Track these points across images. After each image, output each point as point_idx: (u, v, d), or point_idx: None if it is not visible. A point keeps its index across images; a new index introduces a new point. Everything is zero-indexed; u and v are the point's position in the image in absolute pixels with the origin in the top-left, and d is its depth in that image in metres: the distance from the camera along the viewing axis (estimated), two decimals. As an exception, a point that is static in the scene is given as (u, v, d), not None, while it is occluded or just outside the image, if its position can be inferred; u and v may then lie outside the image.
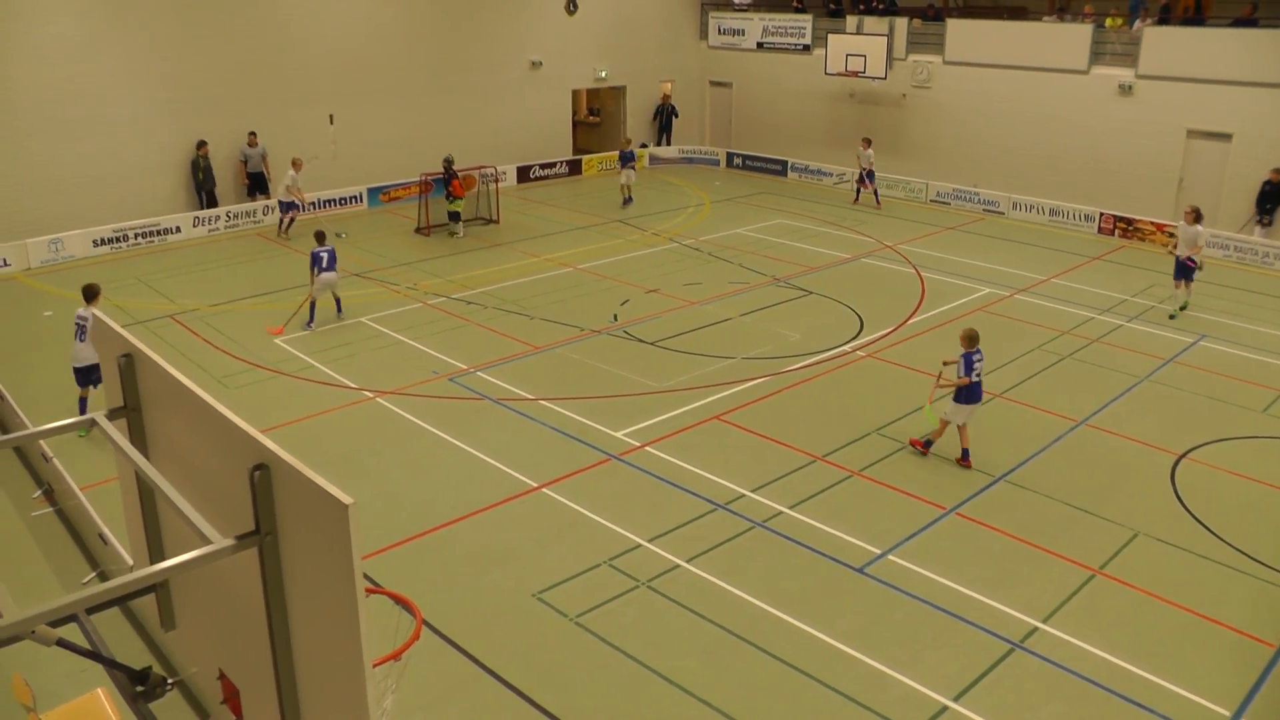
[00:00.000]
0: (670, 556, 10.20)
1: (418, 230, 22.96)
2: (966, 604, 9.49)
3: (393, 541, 10.43)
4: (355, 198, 25.02)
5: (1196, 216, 17.22)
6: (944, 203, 26.36)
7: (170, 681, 3.97)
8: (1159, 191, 23.25)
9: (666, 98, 32.17)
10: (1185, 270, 17.34)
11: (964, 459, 12.12)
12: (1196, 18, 24.05)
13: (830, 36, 28.21)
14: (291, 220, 21.96)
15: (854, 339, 16.38)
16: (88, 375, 12.31)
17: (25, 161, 20.18)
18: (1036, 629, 9.14)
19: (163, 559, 3.96)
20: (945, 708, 8.13)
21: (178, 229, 21.96)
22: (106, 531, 9.51)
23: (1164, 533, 10.79)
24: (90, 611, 3.93)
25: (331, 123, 24.55)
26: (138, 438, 4.05)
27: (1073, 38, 24.41)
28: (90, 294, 12.18)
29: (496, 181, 24.18)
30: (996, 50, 25.62)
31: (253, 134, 23.02)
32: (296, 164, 21.41)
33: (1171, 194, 23.11)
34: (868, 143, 25.83)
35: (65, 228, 20.46)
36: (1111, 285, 19.53)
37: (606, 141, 32.20)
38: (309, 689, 3.22)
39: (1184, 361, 15.62)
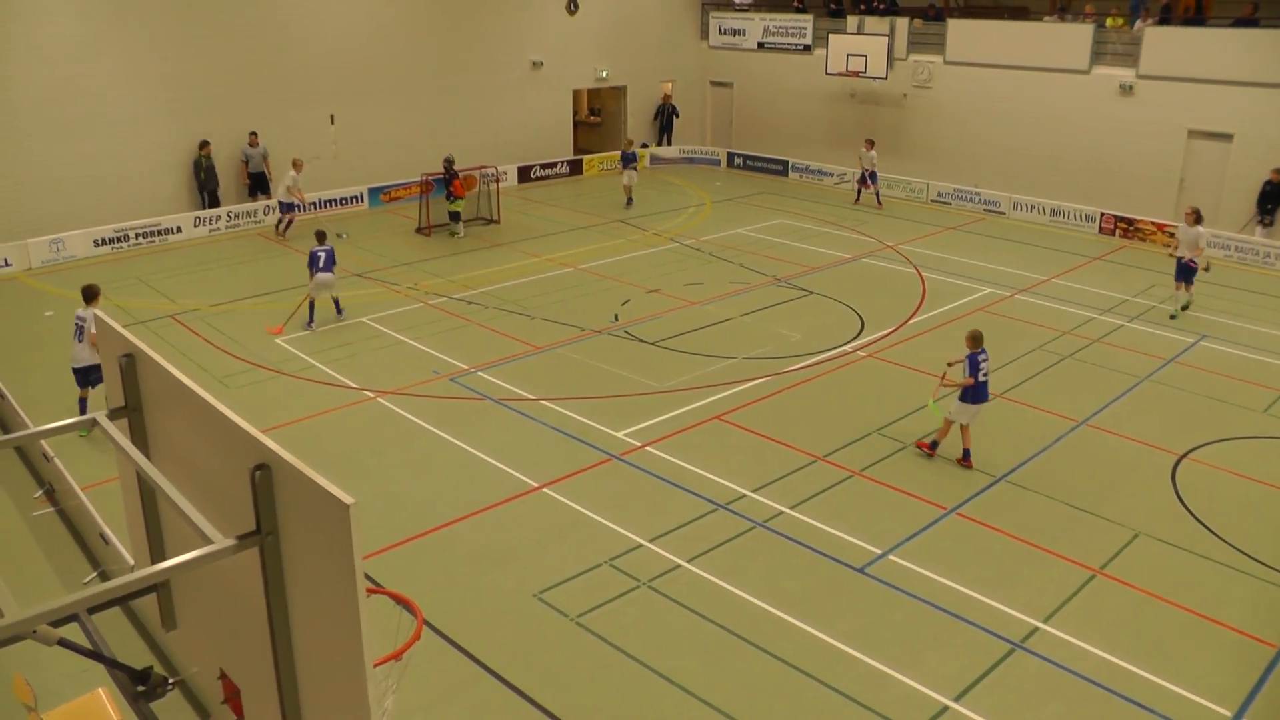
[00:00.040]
0: (671, 556, 10.20)
1: (418, 230, 22.97)
2: (967, 604, 9.49)
3: (393, 541, 10.43)
4: (356, 198, 25.03)
5: (1197, 218, 17.22)
6: (945, 203, 26.36)
7: (171, 681, 3.97)
8: (1160, 192, 23.24)
9: (667, 98, 32.17)
10: (1185, 271, 17.33)
11: (965, 459, 12.12)
12: (1197, 18, 24.05)
13: (831, 36, 28.22)
14: (290, 221, 21.95)
15: (855, 339, 16.38)
16: (86, 376, 12.31)
17: (26, 161, 20.19)
18: (1037, 629, 9.14)
19: (164, 559, 3.96)
20: (946, 708, 8.13)
21: (178, 229, 21.96)
22: (107, 531, 9.52)
23: (1165, 533, 10.79)
24: (91, 611, 3.93)
25: (332, 123, 24.56)
26: (139, 437, 4.05)
27: (1074, 38, 24.41)
28: (89, 295, 12.17)
29: (497, 181, 24.18)
30: (997, 50, 25.61)
31: (254, 134, 23.02)
32: (297, 165, 21.42)
33: (1172, 194, 23.11)
34: (871, 144, 25.83)
35: (66, 228, 20.47)
36: (1112, 285, 19.52)
37: (607, 141, 32.21)
38: (310, 689, 3.23)
39: (1185, 362, 15.62)
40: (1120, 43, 23.81)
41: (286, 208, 21.76)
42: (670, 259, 20.94)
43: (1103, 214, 23.62)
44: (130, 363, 3.97)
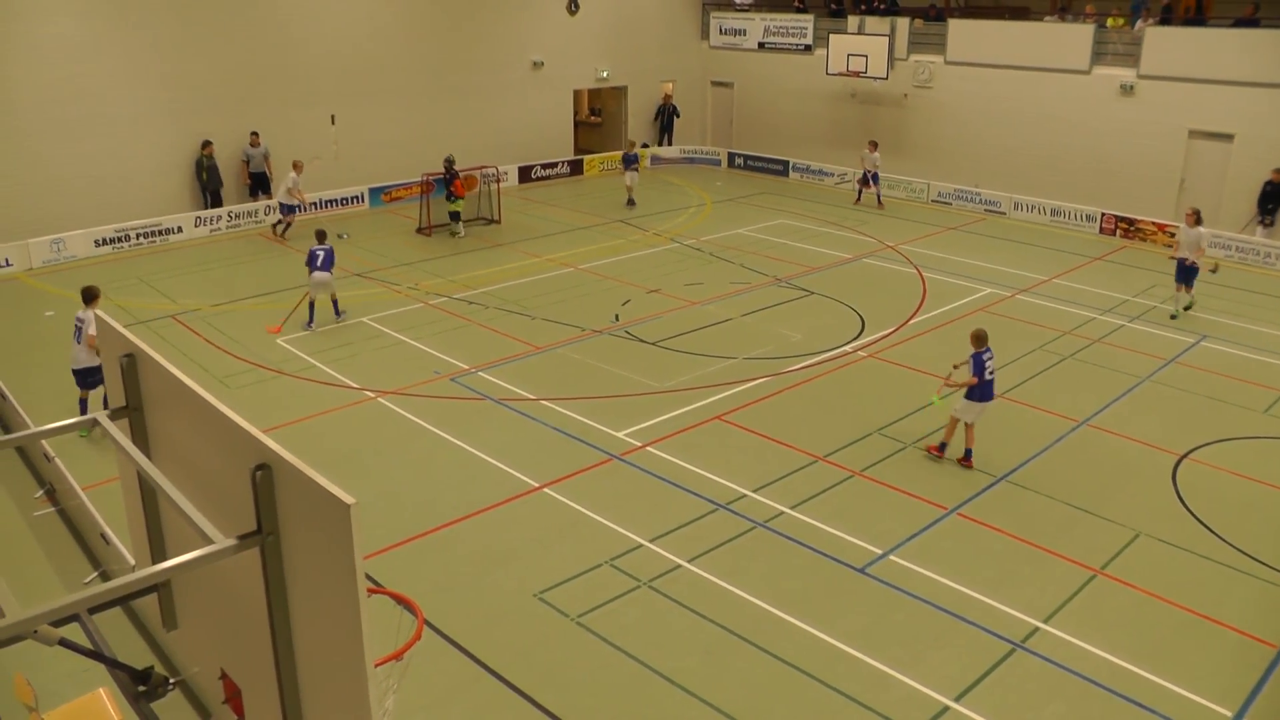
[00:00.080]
0: (672, 556, 10.20)
1: (419, 230, 22.97)
2: (968, 604, 9.49)
3: (394, 541, 10.43)
4: (357, 198, 25.03)
5: (1197, 219, 17.21)
6: (945, 203, 26.36)
7: (172, 681, 3.97)
8: (1160, 192, 23.24)
9: (668, 98, 32.17)
10: (1186, 272, 17.31)
11: (966, 459, 12.12)
12: (1198, 18, 24.05)
13: (832, 36, 28.21)
14: (290, 223, 21.93)
15: (855, 339, 16.38)
16: (84, 378, 12.24)
17: (26, 161, 20.20)
18: (1038, 629, 9.14)
19: (164, 559, 3.96)
20: (946, 708, 8.13)
21: (179, 229, 21.97)
22: (108, 531, 9.52)
23: (1165, 533, 10.79)
24: (92, 611, 3.94)
25: (333, 123, 24.56)
26: (140, 438, 4.05)
27: (1074, 38, 24.40)
28: (89, 296, 12.10)
29: (498, 181, 24.19)
30: (998, 50, 25.61)
31: (255, 134, 23.03)
32: (298, 166, 21.40)
33: (1173, 194, 23.10)
34: (874, 145, 25.83)
35: (67, 228, 20.48)
36: (1113, 285, 19.52)
37: (608, 141, 32.21)
38: (311, 689, 3.23)
39: (1185, 362, 15.62)
40: (1121, 43, 23.81)
41: (287, 209, 21.75)
42: (671, 259, 20.94)
43: (1103, 214, 23.62)
44: (131, 363, 3.97)
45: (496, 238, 22.75)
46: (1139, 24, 23.63)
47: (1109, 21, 24.33)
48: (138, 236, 21.38)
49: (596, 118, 33.49)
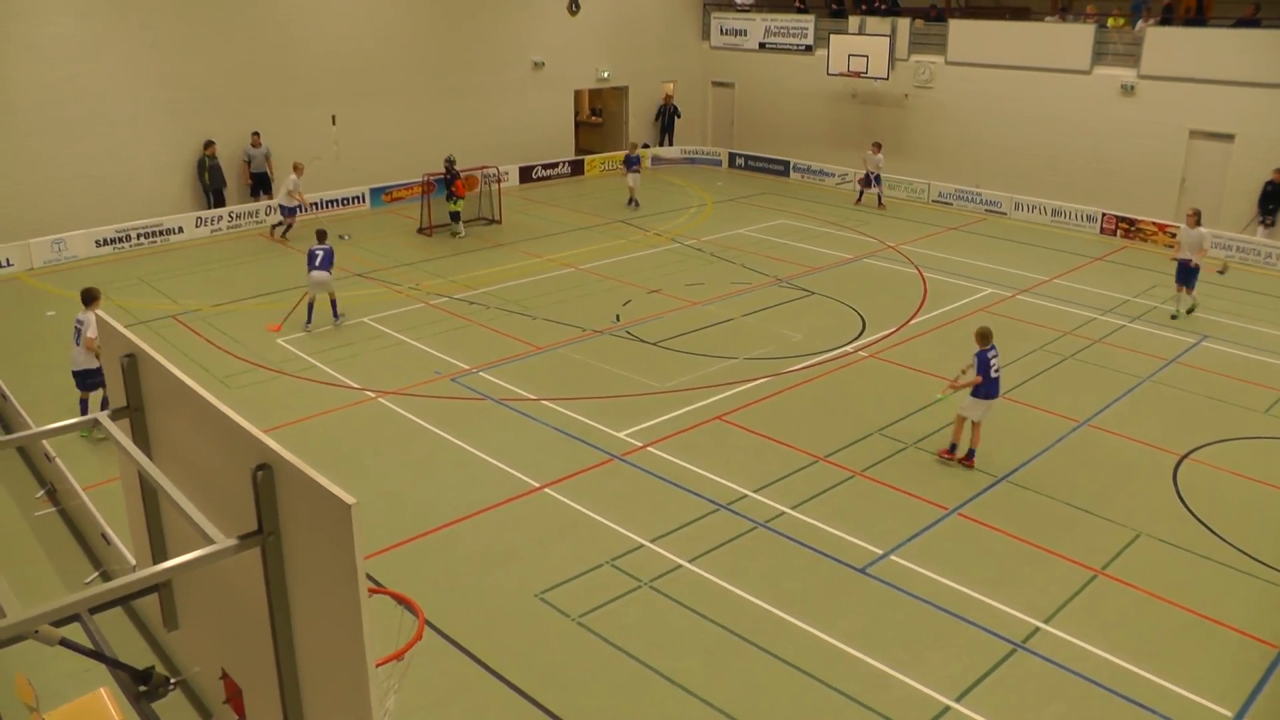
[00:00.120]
0: (672, 557, 10.20)
1: (420, 230, 22.98)
2: (968, 604, 9.49)
3: (395, 541, 10.43)
4: (358, 198, 25.04)
5: (1198, 219, 17.18)
6: (946, 203, 26.36)
7: (173, 681, 3.97)
8: (1161, 192, 23.23)
9: (669, 98, 32.17)
10: (1186, 273, 17.28)
11: (968, 458, 12.10)
12: (1199, 18, 24.04)
13: (832, 37, 28.21)
14: (290, 225, 21.91)
15: (856, 339, 16.38)
16: (83, 379, 12.18)
17: (27, 162, 20.21)
18: (1038, 629, 9.14)
19: (165, 559, 3.96)
20: (947, 708, 8.13)
21: (180, 229, 21.98)
22: (109, 531, 9.52)
23: (1166, 533, 10.78)
24: (93, 611, 3.94)
25: (334, 123, 24.57)
26: (141, 438, 4.06)
27: (1075, 38, 24.40)
28: (88, 298, 11.99)
29: (499, 182, 24.19)
30: (999, 50, 25.60)
31: (256, 134, 23.04)
32: (298, 168, 21.39)
33: (1174, 194, 23.10)
34: (878, 147, 25.82)
35: (68, 228, 20.49)
36: (1113, 286, 19.52)
37: (609, 142, 32.22)
38: (312, 689, 3.23)
39: (1186, 362, 15.61)
40: (1121, 43, 23.80)
41: (287, 211, 21.74)
42: (671, 259, 20.95)
43: (1104, 214, 23.61)
44: (132, 363, 3.97)
45: (497, 238, 22.76)
46: (1140, 24, 23.63)
47: (1109, 22, 24.32)
48: (138, 237, 21.39)
49: (597, 118, 33.50)
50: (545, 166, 29.06)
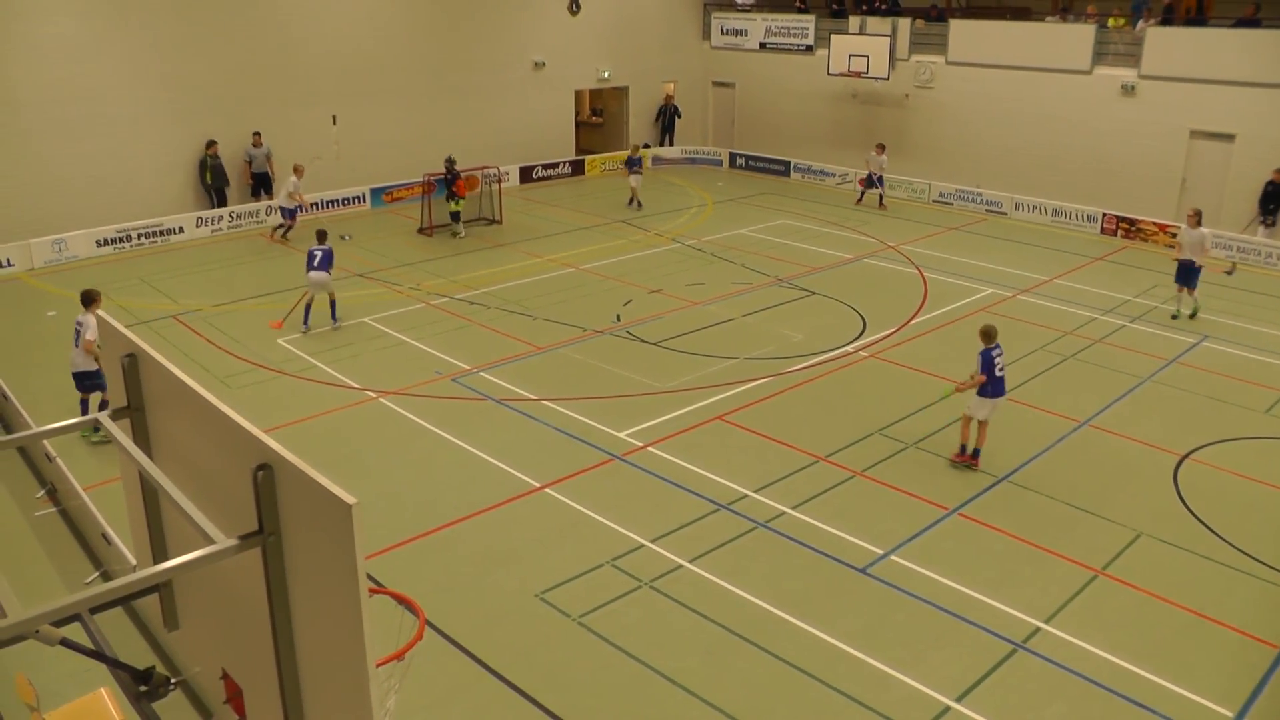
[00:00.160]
0: (673, 557, 10.20)
1: (420, 230, 22.98)
2: (969, 604, 9.49)
3: (395, 541, 10.43)
4: (358, 198, 25.04)
5: (1199, 220, 17.16)
6: (947, 203, 26.35)
7: (173, 681, 3.98)
8: (1162, 192, 23.23)
9: (669, 98, 32.17)
10: (1186, 273, 17.24)
11: (974, 458, 12.07)
12: (1199, 18, 24.03)
13: (833, 37, 28.20)
14: (290, 227, 21.88)
15: (857, 339, 16.38)
16: (81, 381, 12.11)
17: (28, 162, 20.21)
18: (1039, 629, 9.13)
19: (166, 559, 3.97)
20: (948, 708, 8.12)
21: (180, 229, 21.98)
22: (110, 531, 9.53)
23: (1167, 533, 10.78)
24: (94, 611, 3.94)
25: (334, 123, 24.57)
26: (141, 438, 4.06)
27: (1075, 38, 24.40)
28: (87, 299, 11.86)
29: (499, 182, 24.19)
30: (999, 51, 25.60)
31: (257, 134, 23.04)
32: (299, 170, 21.37)
33: (1174, 194, 23.09)
34: (881, 148, 25.81)
35: (68, 228, 20.49)
36: (1114, 286, 19.52)
37: (609, 142, 32.23)
38: (312, 689, 3.23)
39: (1186, 362, 15.61)
40: (1122, 43, 23.80)
41: (288, 213, 21.72)
42: (672, 259, 20.95)
43: (1104, 214, 23.61)
44: (133, 363, 3.97)
45: (498, 238, 22.76)
46: (1140, 24, 23.62)
47: (1110, 22, 24.31)
48: (139, 237, 21.40)
49: (598, 118, 33.50)
50: (546, 166, 29.06)
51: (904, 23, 27.38)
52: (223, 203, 22.83)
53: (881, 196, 25.98)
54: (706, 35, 32.41)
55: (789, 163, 29.91)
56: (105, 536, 9.59)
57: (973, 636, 9.05)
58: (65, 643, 3.40)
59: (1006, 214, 25.23)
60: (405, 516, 10.91)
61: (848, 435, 12.94)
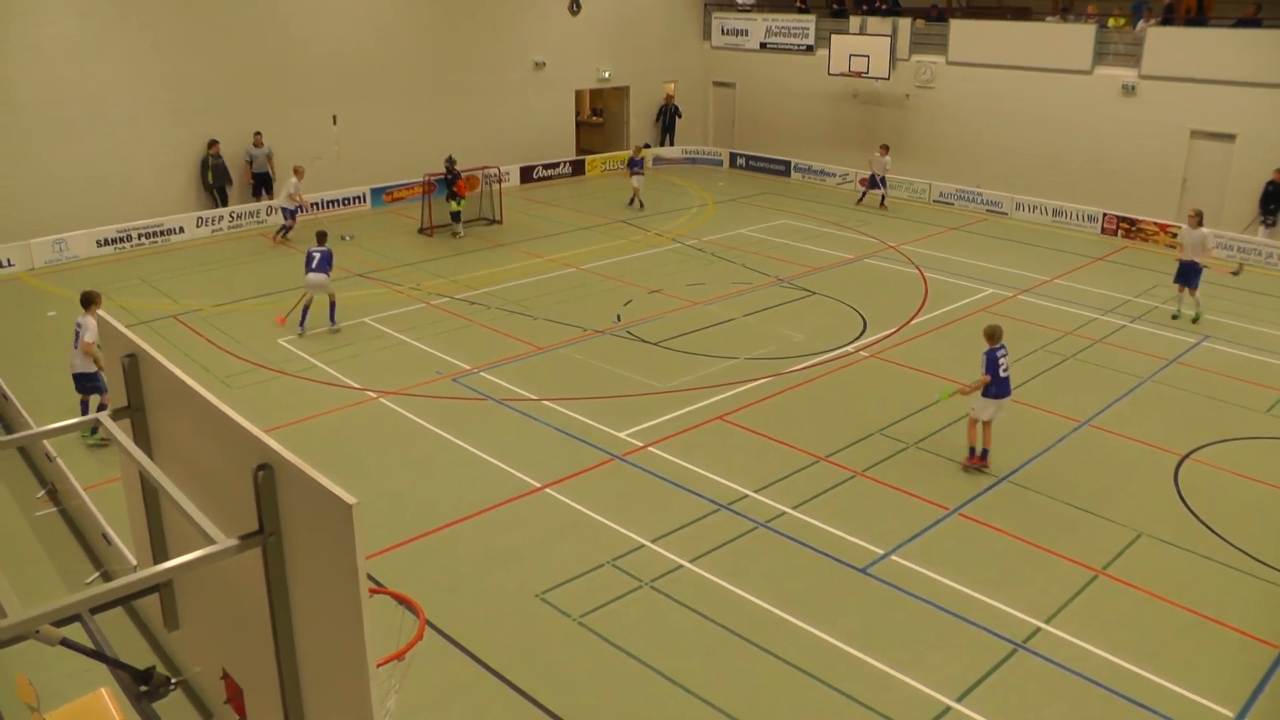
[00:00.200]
0: (673, 557, 10.20)
1: (421, 231, 22.98)
2: (969, 604, 9.48)
3: (396, 542, 10.43)
4: (358, 198, 25.05)
5: (1200, 220, 17.13)
6: (947, 203, 26.35)
7: (174, 681, 3.98)
8: (1162, 192, 23.22)
9: (670, 98, 32.17)
10: (1186, 273, 17.19)
11: (982, 458, 12.03)
12: (1199, 18, 24.03)
13: (833, 37, 28.20)
14: (289, 228, 21.87)
15: (857, 339, 16.38)
16: (80, 383, 12.07)
17: (28, 161, 20.21)
18: (1039, 629, 9.13)
19: (166, 559, 3.97)
20: (948, 708, 8.12)
21: (181, 229, 21.99)
22: (110, 531, 9.53)
23: (1167, 533, 10.78)
24: (94, 611, 3.94)
25: (335, 123, 24.57)
26: (142, 438, 4.06)
27: (1076, 38, 24.39)
28: (86, 301, 11.78)
29: (499, 182, 24.19)
30: (1000, 51, 25.60)
31: (258, 134, 23.05)
32: (299, 172, 21.37)
33: (1175, 194, 23.09)
34: (885, 149, 25.79)
35: (69, 228, 20.49)
36: (1114, 286, 19.51)
37: (610, 142, 32.23)
38: (313, 689, 3.23)
39: (1187, 362, 15.61)
40: (1122, 43, 23.79)
41: (288, 213, 21.71)
42: (672, 259, 20.95)
43: (1105, 214, 23.61)
44: (133, 363, 3.97)
45: (498, 238, 22.76)
46: (1140, 24, 23.61)
47: (1110, 22, 24.31)
48: (139, 237, 21.40)
49: (598, 118, 33.50)
50: (546, 166, 29.06)
51: (904, 23, 27.38)
52: (224, 202, 22.84)
53: (884, 197, 25.97)
54: (707, 35, 32.41)
55: (789, 163, 29.91)
56: (105, 536, 9.59)
57: (973, 636, 9.04)
58: (66, 643, 3.40)
59: (1007, 214, 25.22)
60: (405, 516, 10.91)
61: (848, 435, 12.94)
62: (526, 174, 28.49)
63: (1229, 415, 13.73)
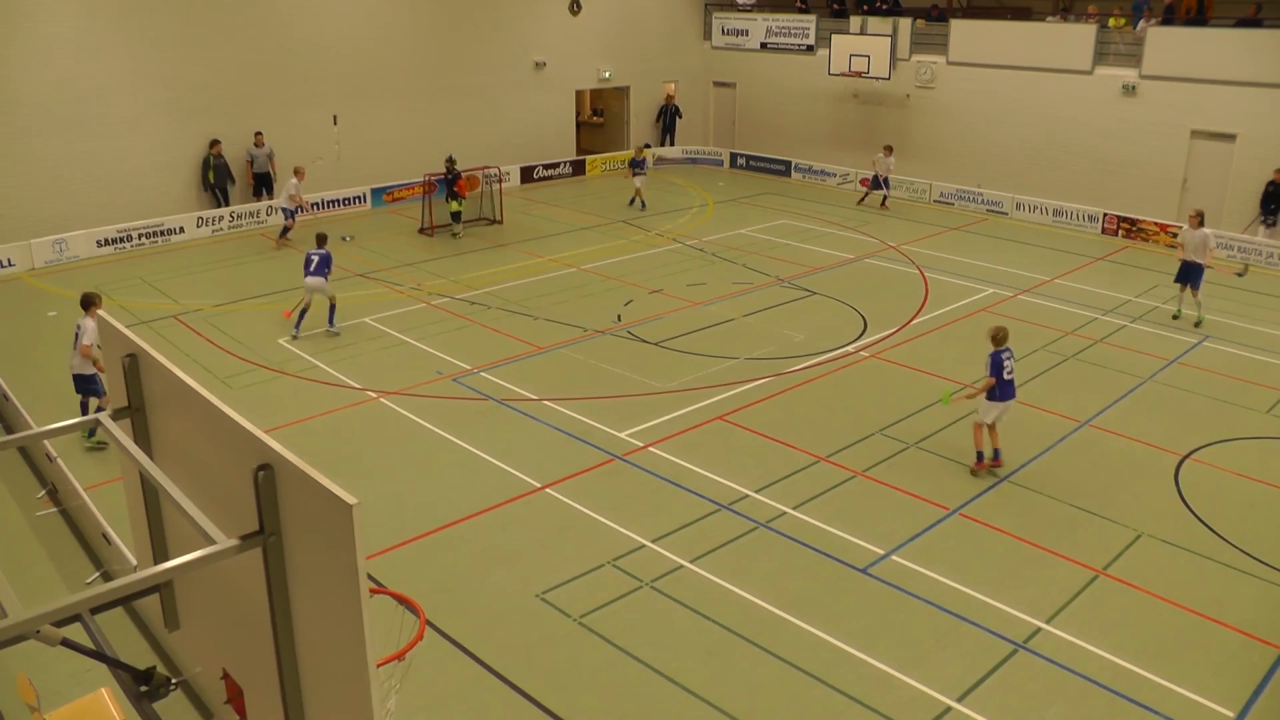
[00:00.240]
0: (674, 557, 10.20)
1: (421, 231, 22.98)
2: (970, 605, 9.48)
3: (396, 542, 10.43)
4: (359, 198, 25.05)
5: (1201, 220, 17.08)
6: (948, 203, 26.34)
7: (174, 682, 3.98)
8: (1163, 192, 23.22)
9: (670, 98, 32.17)
10: (1186, 273, 17.16)
11: (995, 459, 12.00)
12: (1200, 18, 24.02)
13: (834, 37, 28.19)
14: (288, 228, 21.85)
15: (858, 339, 16.37)
16: (78, 384, 12.03)
17: (29, 161, 20.22)
18: (1040, 629, 9.13)
19: (166, 559, 3.97)
20: (949, 708, 8.12)
21: (181, 229, 21.99)
22: (110, 531, 9.53)
23: (1168, 533, 10.77)
24: (94, 611, 3.94)
25: (335, 124, 24.58)
26: (142, 438, 4.06)
27: (1076, 38, 24.39)
28: (87, 303, 11.72)
29: (500, 182, 24.19)
30: (1000, 51, 25.59)
31: (259, 134, 23.05)
32: (299, 173, 21.35)
33: (1175, 194, 23.09)
34: (889, 150, 25.79)
35: (69, 228, 20.50)
36: (1115, 286, 19.51)
37: (610, 142, 32.23)
38: (313, 689, 3.23)
39: (1188, 362, 15.60)
40: (1123, 43, 23.79)
41: (288, 214, 21.70)
42: (673, 259, 20.94)
43: (1105, 214, 23.60)
44: (133, 363, 3.97)
45: (499, 238, 22.76)
46: (1141, 24, 23.61)
47: (1111, 22, 24.30)
48: (140, 237, 21.40)
49: (599, 118, 33.51)
50: (546, 167, 29.06)
51: (905, 23, 27.38)
52: (226, 202, 22.84)
53: (885, 198, 25.96)
54: (707, 35, 32.41)
55: (790, 163, 29.91)
56: (106, 536, 9.60)
57: (974, 637, 9.04)
58: (66, 643, 3.40)
59: (1007, 214, 25.22)
60: (406, 517, 10.91)
61: (849, 435, 12.93)
62: (527, 174, 28.50)
63: (1230, 415, 13.73)
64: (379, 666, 4.07)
